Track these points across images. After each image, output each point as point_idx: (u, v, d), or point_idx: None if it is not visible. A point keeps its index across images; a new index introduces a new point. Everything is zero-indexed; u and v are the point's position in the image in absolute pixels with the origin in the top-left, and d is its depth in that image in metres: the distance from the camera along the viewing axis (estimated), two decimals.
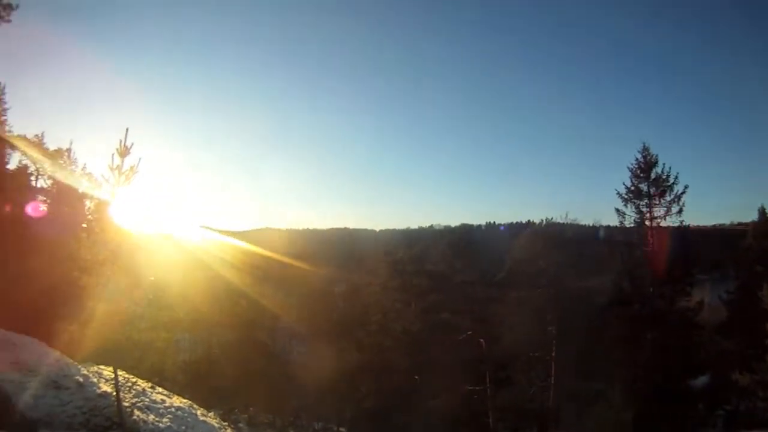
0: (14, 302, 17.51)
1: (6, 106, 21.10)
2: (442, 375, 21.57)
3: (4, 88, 20.88)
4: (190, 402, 18.26)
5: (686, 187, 20.96)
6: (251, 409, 23.18)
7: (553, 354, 19.80)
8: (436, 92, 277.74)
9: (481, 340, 21.11)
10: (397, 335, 26.27)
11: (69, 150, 23.34)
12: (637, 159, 21.50)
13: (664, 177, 20.97)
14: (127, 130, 13.38)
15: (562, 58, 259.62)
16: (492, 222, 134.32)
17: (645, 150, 21.46)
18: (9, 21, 12.47)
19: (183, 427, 15.54)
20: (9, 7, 12.23)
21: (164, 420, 15.32)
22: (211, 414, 18.52)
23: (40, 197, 23.15)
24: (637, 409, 18.44)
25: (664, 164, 21.12)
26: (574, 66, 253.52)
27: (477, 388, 20.38)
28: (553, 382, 19.51)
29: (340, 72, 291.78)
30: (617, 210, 21.65)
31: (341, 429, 29.09)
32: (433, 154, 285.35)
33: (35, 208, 22.97)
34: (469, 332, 21.85)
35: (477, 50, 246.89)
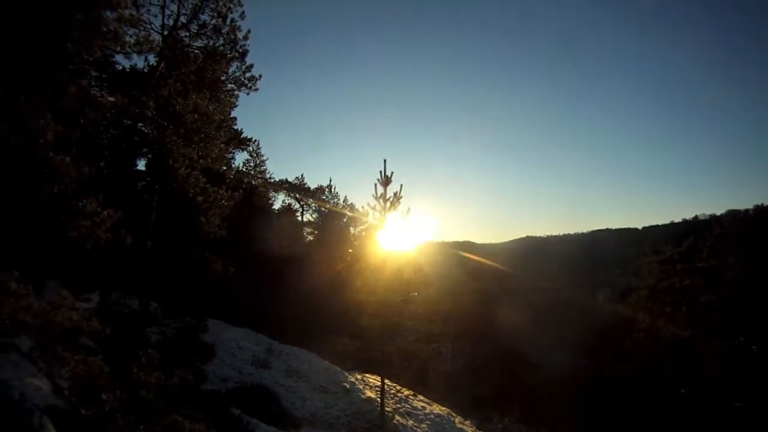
0: (290, 319, 21.35)
1: (263, 158, 25.40)
2: (710, 387, 18.79)
3: (259, 143, 25.16)
4: (448, 410, 19.90)
5: None
6: (506, 419, 24.07)
7: None
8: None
9: (754, 347, 17.69)
10: (667, 342, 23.69)
11: (329, 186, 26.68)
12: None
13: None
14: (385, 161, 14.94)
15: None
16: (761, 204, 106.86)
17: None
18: (257, 90, 14.85)
19: None
20: (254, 78, 14.65)
21: (422, 426, 17.14)
22: (467, 422, 19.69)
23: (308, 230, 27.73)
24: None
25: None
26: None
27: (745, 405, 17.02)
28: None
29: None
30: None
31: None
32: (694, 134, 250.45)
33: (303, 239, 27.16)
34: (741, 338, 18.58)
35: None
